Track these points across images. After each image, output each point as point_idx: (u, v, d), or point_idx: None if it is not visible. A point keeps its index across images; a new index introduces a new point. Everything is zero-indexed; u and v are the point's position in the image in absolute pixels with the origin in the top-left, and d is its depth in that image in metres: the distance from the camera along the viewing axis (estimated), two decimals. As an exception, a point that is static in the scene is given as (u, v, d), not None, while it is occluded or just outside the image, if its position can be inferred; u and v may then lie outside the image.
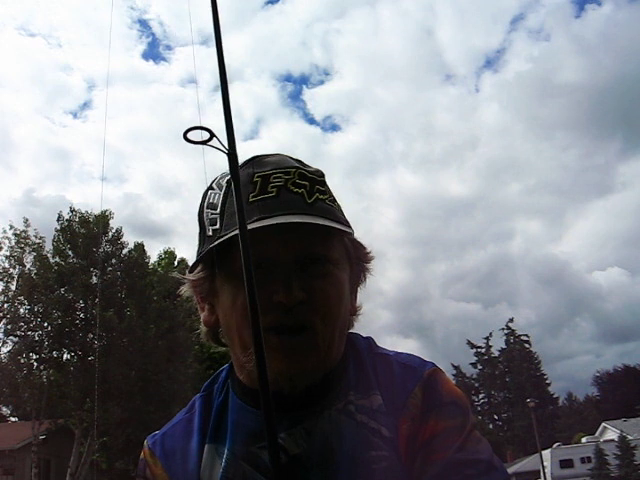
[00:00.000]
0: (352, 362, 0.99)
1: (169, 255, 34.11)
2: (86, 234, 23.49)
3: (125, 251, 24.87)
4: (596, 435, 41.22)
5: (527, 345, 64.52)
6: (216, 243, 0.91)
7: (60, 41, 76.88)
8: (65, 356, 23.57)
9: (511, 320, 66.04)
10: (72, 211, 24.05)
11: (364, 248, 1.02)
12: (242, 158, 0.97)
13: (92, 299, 23.31)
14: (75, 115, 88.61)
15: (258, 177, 0.93)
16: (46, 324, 22.83)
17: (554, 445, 38.63)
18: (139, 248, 25.51)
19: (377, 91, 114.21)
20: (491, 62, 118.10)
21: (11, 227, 22.84)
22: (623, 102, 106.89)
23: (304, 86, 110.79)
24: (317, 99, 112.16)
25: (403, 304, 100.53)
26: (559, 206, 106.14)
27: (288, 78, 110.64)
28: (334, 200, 0.99)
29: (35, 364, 23.37)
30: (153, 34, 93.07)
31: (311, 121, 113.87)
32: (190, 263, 1.02)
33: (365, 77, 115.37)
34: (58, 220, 23.84)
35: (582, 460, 35.37)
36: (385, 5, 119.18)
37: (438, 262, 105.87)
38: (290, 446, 0.91)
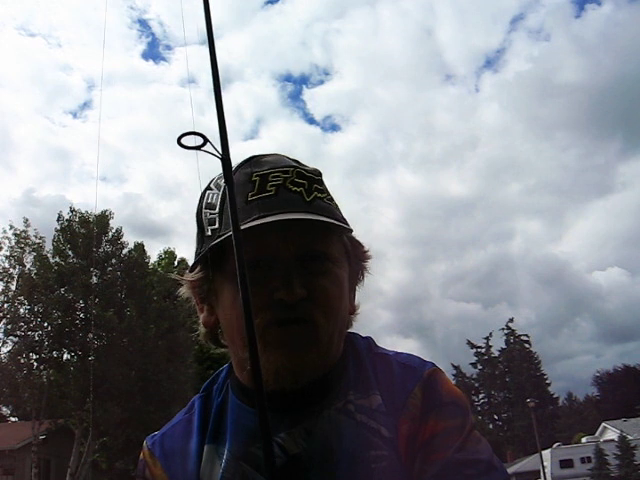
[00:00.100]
0: (351, 362, 0.98)
1: (169, 255, 34.15)
2: (86, 234, 23.50)
3: (125, 251, 24.92)
4: (596, 435, 41.20)
5: (527, 345, 64.53)
6: (216, 242, 0.91)
7: (60, 41, 77.10)
8: (65, 356, 23.63)
9: (511, 320, 66.09)
10: (72, 211, 24.11)
11: (362, 247, 1.02)
12: (238, 160, 0.98)
13: (92, 299, 23.32)
14: (75, 115, 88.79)
15: (257, 176, 0.93)
16: (46, 324, 22.84)
17: (554, 445, 38.61)
18: (139, 248, 25.55)
19: (377, 91, 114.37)
20: (491, 62, 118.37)
21: (11, 227, 22.93)
22: (623, 102, 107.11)
23: (304, 86, 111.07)
24: (317, 99, 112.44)
25: (403, 304, 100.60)
26: (559, 206, 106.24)
27: (288, 78, 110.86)
28: (332, 199, 1.00)
29: (35, 364, 23.40)
30: (153, 34, 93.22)
31: (311, 121, 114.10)
32: (190, 263, 1.02)
33: (365, 77, 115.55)
34: (58, 220, 23.89)
35: (582, 460, 35.35)
36: (385, 5, 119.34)
37: (438, 262, 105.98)
38: (290, 446, 0.91)
